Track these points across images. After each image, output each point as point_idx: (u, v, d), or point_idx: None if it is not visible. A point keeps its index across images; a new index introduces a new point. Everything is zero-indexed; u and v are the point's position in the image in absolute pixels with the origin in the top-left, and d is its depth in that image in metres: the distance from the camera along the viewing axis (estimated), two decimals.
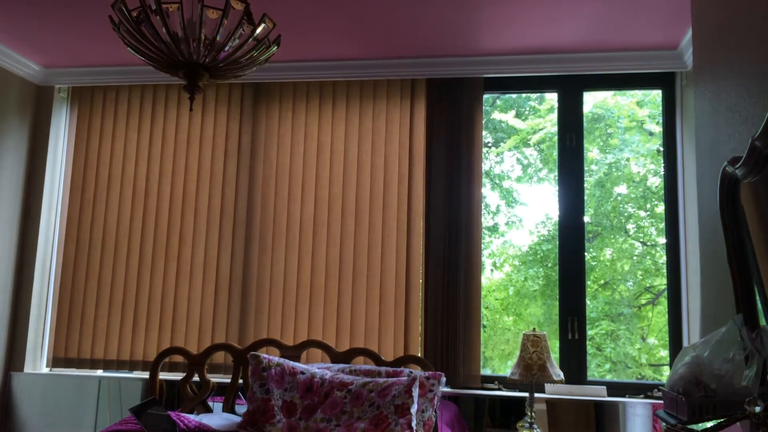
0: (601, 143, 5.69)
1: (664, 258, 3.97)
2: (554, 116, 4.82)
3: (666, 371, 5.09)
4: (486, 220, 5.98)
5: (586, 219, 4.13)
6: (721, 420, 1.67)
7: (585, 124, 4.12)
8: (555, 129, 4.22)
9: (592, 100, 5.51)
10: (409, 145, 4.10)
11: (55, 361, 4.28)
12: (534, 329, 3.49)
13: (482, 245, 4.07)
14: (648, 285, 5.60)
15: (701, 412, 1.84)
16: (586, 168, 4.09)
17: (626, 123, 5.58)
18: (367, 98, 4.18)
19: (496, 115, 5.89)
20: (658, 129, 5.13)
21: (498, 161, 6.23)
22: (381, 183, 4.08)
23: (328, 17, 3.55)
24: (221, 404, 3.65)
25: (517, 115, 5.96)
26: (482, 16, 3.49)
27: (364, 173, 4.11)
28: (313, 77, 4.19)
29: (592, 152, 5.63)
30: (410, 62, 4.07)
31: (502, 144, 5.99)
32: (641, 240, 5.70)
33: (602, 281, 5.66)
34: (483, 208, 4.16)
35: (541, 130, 5.74)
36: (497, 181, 6.17)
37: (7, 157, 4.21)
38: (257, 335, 4.03)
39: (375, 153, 4.12)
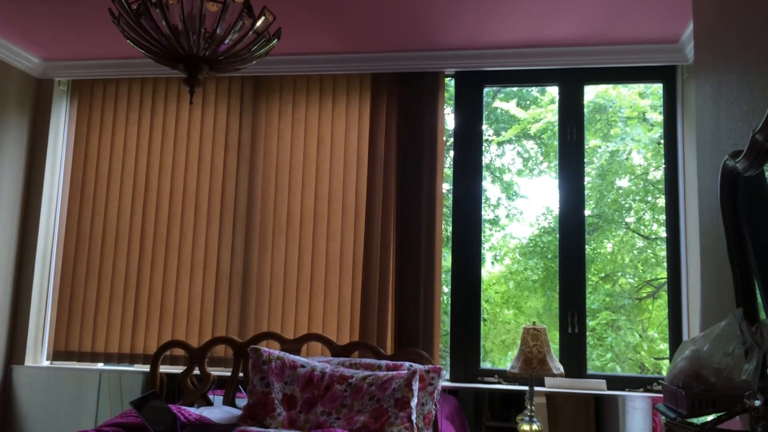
0: (603, 135, 5.69)
1: (665, 251, 3.97)
2: (555, 106, 4.81)
3: (666, 364, 5.10)
4: (486, 213, 5.98)
5: (587, 212, 4.13)
6: (721, 414, 1.67)
7: (586, 113, 4.11)
8: (556, 118, 4.21)
9: (593, 90, 5.50)
10: (405, 140, 4.08)
11: (56, 355, 4.28)
12: (534, 323, 3.50)
13: (483, 238, 4.07)
14: (648, 278, 5.61)
15: (701, 405, 1.85)
16: (587, 159, 4.08)
17: (628, 113, 5.57)
18: (366, 91, 4.16)
19: (498, 104, 5.89)
20: (660, 118, 5.12)
21: (499, 154, 6.23)
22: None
23: (327, 9, 3.53)
24: (222, 397, 3.66)
25: (519, 105, 5.95)
26: (482, 9, 3.47)
27: (362, 167, 4.10)
28: (313, 71, 4.17)
29: (594, 141, 5.62)
30: (410, 56, 4.05)
31: (503, 133, 5.98)
32: (642, 233, 5.71)
33: (603, 274, 5.67)
34: (483, 201, 4.15)
35: (542, 119, 5.73)
36: (498, 174, 6.17)
37: (7, 151, 4.21)
38: (257, 329, 4.03)
39: (374, 147, 4.10)
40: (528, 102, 5.99)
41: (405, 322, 3.88)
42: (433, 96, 4.09)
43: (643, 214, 5.72)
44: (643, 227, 5.72)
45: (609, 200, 5.70)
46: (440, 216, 4.01)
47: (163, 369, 3.91)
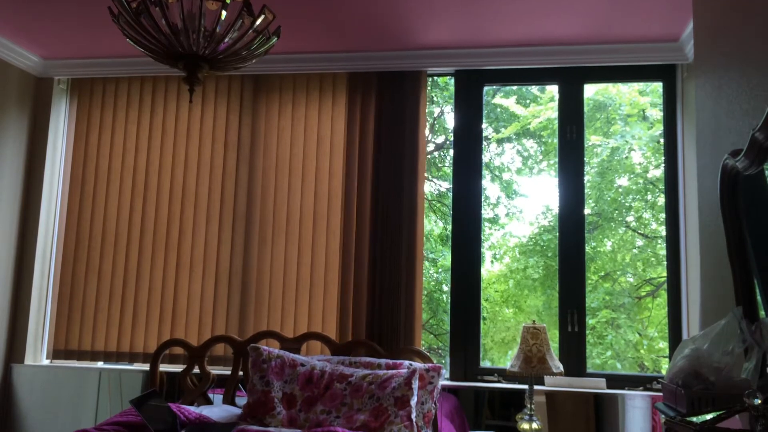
0: (603, 133, 5.69)
1: (665, 250, 3.96)
2: (555, 104, 4.82)
3: (666, 363, 5.10)
4: (486, 212, 5.98)
5: (587, 211, 4.13)
6: (720, 412, 1.67)
7: (586, 111, 4.10)
8: (555, 114, 4.21)
9: (593, 87, 5.49)
10: (390, 139, 4.07)
11: (56, 353, 4.28)
12: (534, 321, 3.49)
13: (482, 237, 4.07)
14: (648, 277, 5.61)
15: (700, 404, 1.85)
16: (587, 159, 4.08)
17: (628, 110, 5.57)
18: (360, 91, 4.15)
19: (498, 100, 5.88)
20: (659, 115, 5.12)
21: (498, 153, 6.22)
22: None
23: (327, 8, 3.53)
24: (221, 396, 3.66)
25: (519, 102, 5.94)
26: (481, 8, 3.47)
27: (362, 166, 4.09)
28: (313, 69, 4.17)
29: (594, 139, 5.62)
30: (408, 54, 4.05)
31: (503, 130, 5.97)
32: (641, 232, 5.71)
33: (603, 272, 5.67)
34: (483, 200, 4.15)
35: (541, 116, 5.73)
36: (497, 173, 6.17)
37: (7, 150, 4.20)
38: (257, 327, 4.03)
39: (371, 146, 4.10)
40: (528, 101, 5.99)
41: (388, 320, 3.89)
42: (416, 95, 4.10)
43: (643, 212, 5.72)
44: (642, 226, 5.72)
45: (609, 199, 5.70)
46: (422, 213, 4.04)
47: (163, 367, 3.91)
